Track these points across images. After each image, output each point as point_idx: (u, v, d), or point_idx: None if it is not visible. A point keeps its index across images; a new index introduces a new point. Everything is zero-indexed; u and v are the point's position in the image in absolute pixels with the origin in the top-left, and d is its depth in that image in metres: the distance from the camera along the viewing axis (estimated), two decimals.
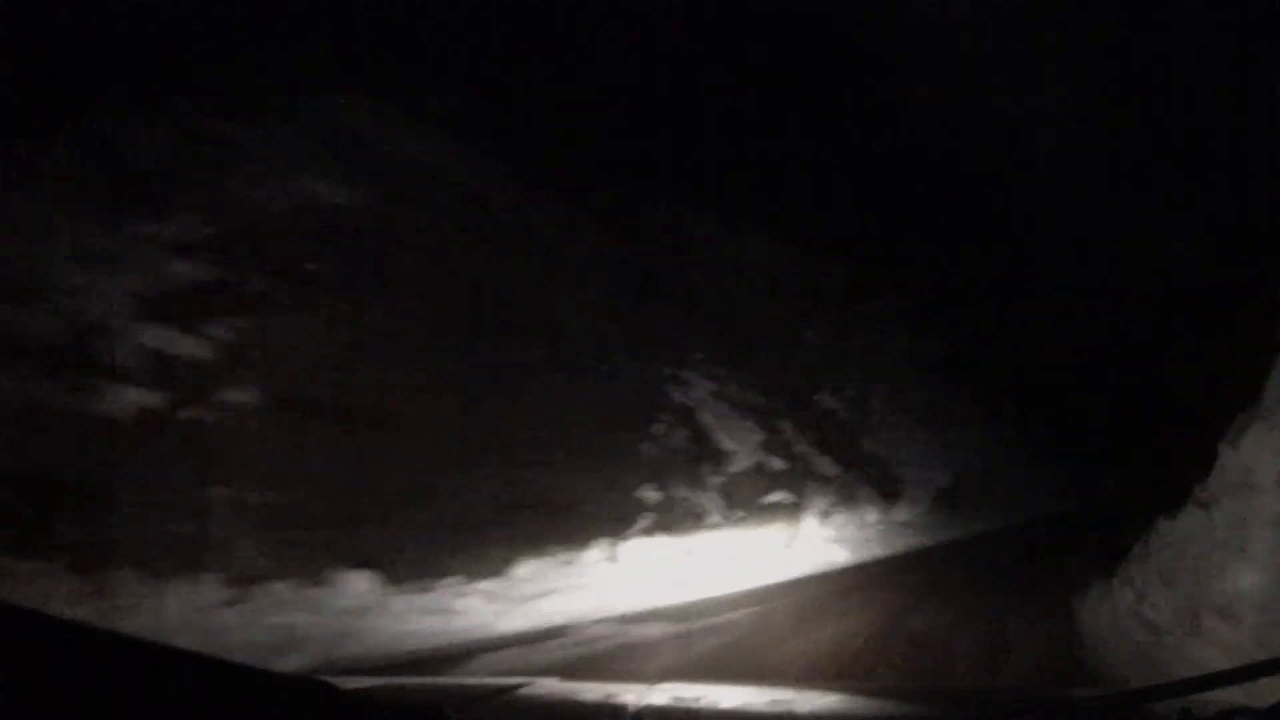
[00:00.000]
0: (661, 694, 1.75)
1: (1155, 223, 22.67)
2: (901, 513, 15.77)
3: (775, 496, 13.90)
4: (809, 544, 13.41)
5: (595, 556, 11.42)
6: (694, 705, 1.75)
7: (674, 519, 12.39)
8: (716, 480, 13.40)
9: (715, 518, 12.85)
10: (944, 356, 21.24)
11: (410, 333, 10.95)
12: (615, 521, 11.81)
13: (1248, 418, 6.95)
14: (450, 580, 10.14)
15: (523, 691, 1.67)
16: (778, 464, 14.53)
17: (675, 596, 10.37)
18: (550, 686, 1.81)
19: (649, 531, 11.99)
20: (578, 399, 12.29)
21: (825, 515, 14.37)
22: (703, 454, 13.60)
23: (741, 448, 14.19)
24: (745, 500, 13.47)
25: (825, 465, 15.50)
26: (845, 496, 15.15)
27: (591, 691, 1.85)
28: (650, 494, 12.35)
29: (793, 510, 13.98)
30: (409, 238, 11.46)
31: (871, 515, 15.14)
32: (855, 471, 15.85)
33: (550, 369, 11.99)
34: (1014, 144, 23.55)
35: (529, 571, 10.79)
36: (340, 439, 9.92)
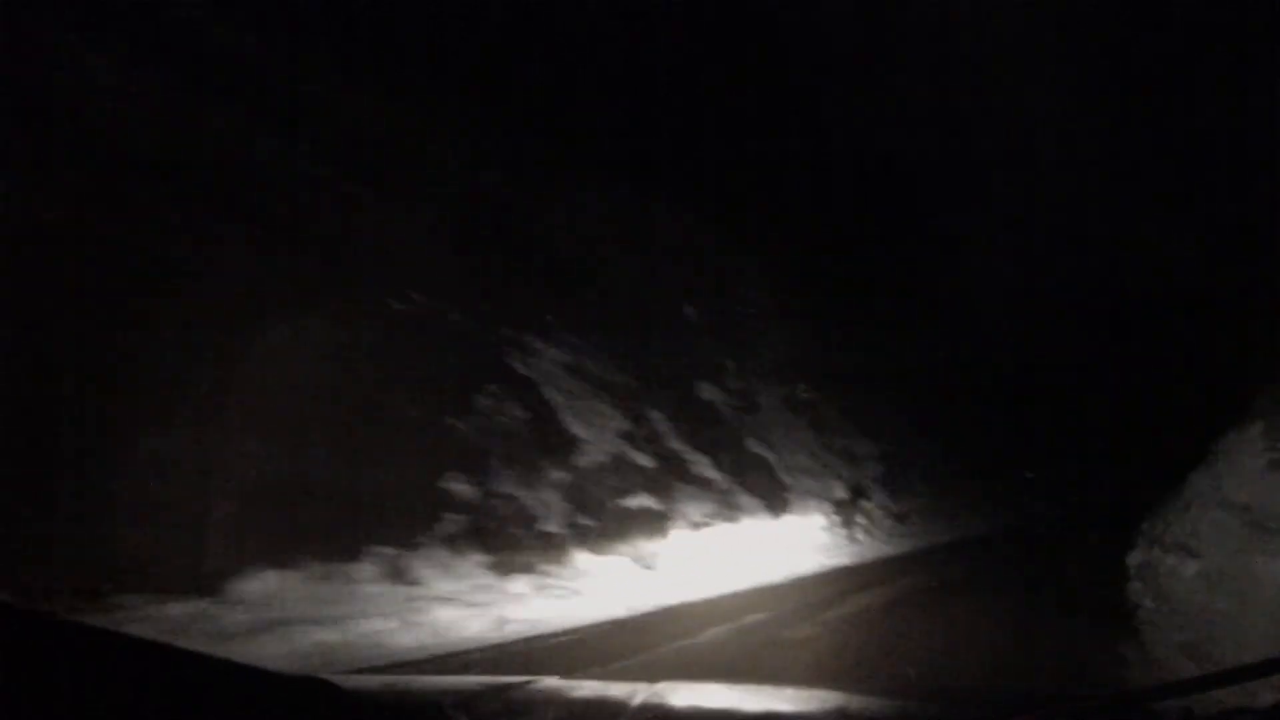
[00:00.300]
0: (661, 693, 1.71)
1: (1083, 221, 21.67)
2: (790, 529, 12.96)
3: (637, 501, 10.80)
4: (675, 564, 10.36)
5: (367, 573, 8.03)
6: (694, 705, 1.76)
7: (494, 524, 9.11)
8: (559, 476, 10.20)
9: (552, 525, 9.63)
10: (848, 357, 18.83)
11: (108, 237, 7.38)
12: (402, 523, 8.45)
13: None
14: (124, 600, 6.63)
15: (523, 691, 1.67)
16: (643, 460, 11.46)
17: (486, 634, 7.24)
18: (550, 686, 1.76)
19: (454, 541, 8.67)
20: (360, 349, 8.91)
21: (697, 527, 11.36)
22: (544, 440, 10.39)
23: (597, 437, 11.06)
24: (596, 503, 10.31)
25: (702, 467, 12.54)
26: (724, 505, 12.22)
27: (592, 690, 1.79)
28: (459, 487, 9.04)
29: (658, 520, 10.91)
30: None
31: (755, 530, 12.25)
32: (737, 477, 12.95)
33: (311, 301, 8.58)
34: (923, 131, 22.02)
35: (258, 590, 7.35)
36: None
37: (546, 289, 12.34)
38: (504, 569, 8.76)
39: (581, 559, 9.58)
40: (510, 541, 9.04)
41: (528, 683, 1.74)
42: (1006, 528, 18.54)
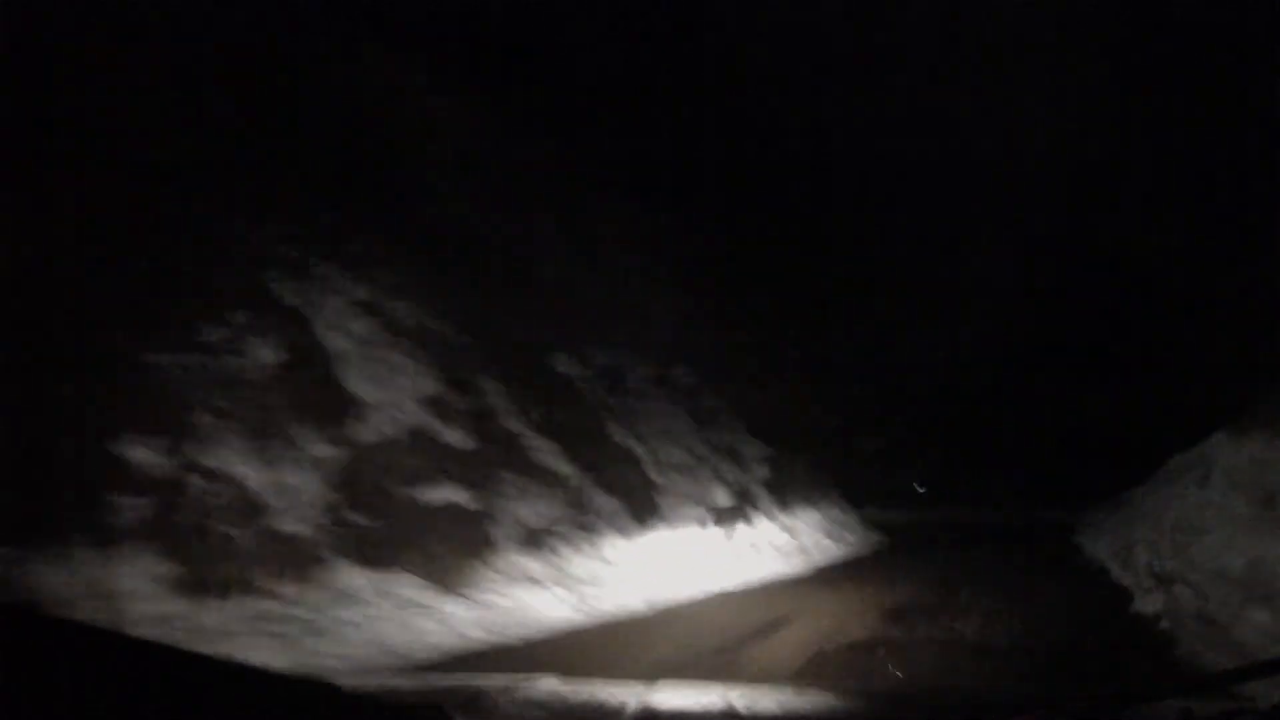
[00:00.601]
0: (661, 694, 1.75)
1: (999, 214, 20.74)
2: (660, 541, 10.20)
3: (440, 494, 7.79)
4: (493, 586, 7.42)
5: None
6: (694, 705, 1.78)
7: (193, 517, 5.95)
8: (324, 451, 7.10)
9: (296, 522, 6.52)
10: (737, 342, 16.40)
11: None
12: (27, 507, 5.24)
13: None
14: None
15: (523, 691, 1.69)
16: (457, 440, 8.47)
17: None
18: (550, 686, 1.78)
19: (117, 541, 5.49)
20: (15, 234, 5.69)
21: (533, 536, 8.42)
22: (305, 397, 7.29)
23: (390, 401, 8.02)
24: (374, 495, 7.26)
25: (546, 455, 9.65)
26: (573, 507, 9.34)
27: (591, 691, 1.83)
28: (142, 455, 5.86)
29: (473, 523, 7.92)
30: None
31: (612, 543, 9.41)
32: (593, 471, 10.10)
33: None
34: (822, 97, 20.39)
35: None
36: None
37: (349, 200, 9.27)
38: (198, 589, 5.62)
39: (342, 577, 6.51)
40: (217, 545, 5.89)
41: (529, 682, 1.74)
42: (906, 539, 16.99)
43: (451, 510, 7.71)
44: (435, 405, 8.40)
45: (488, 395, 9.56)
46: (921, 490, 27.20)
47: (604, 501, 9.91)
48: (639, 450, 11.50)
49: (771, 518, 13.47)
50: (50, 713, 0.72)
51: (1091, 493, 21.18)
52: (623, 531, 9.87)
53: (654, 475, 11.33)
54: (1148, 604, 6.33)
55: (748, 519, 12.57)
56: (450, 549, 7.46)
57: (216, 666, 0.91)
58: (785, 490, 14.75)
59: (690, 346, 15.12)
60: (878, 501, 22.75)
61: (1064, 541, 14.16)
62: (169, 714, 0.82)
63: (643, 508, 10.60)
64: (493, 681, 1.74)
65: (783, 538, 13.19)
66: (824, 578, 10.92)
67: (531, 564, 8.12)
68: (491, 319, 10.52)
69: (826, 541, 14.71)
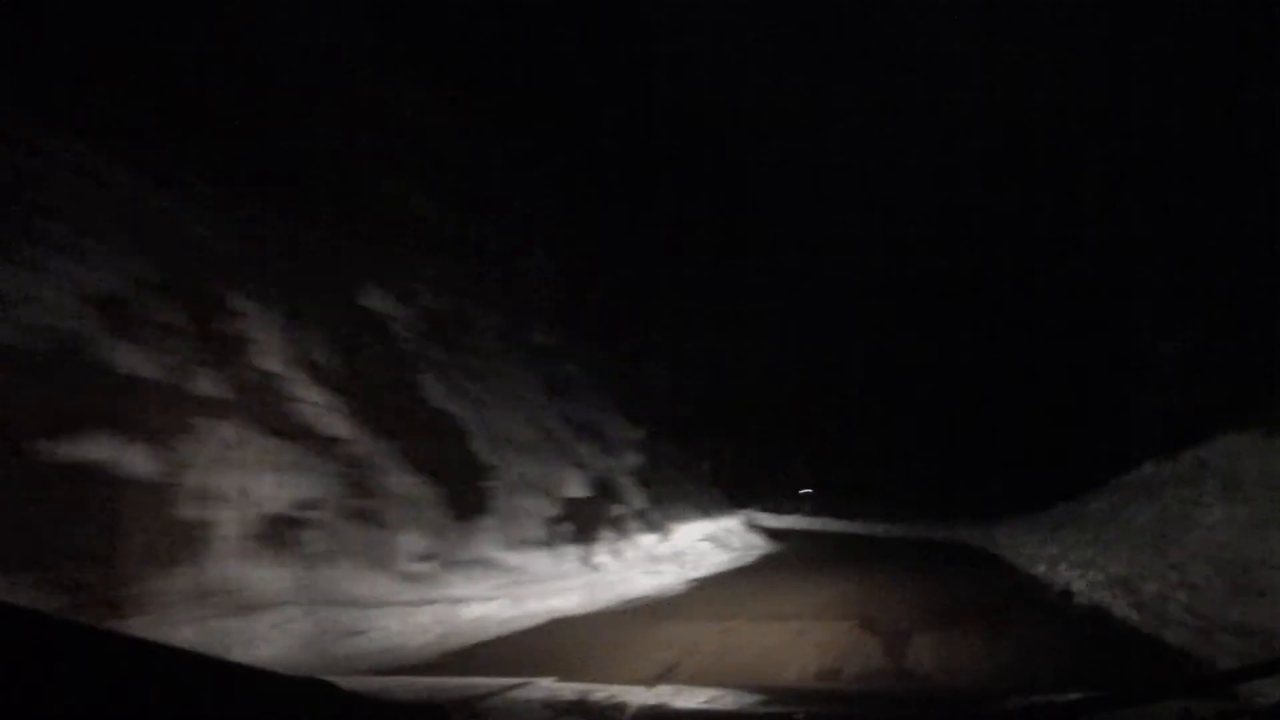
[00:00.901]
0: (661, 695, 1.78)
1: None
2: (480, 544, 7.67)
3: (106, 450, 5.03)
4: (171, 612, 4.73)
5: None
6: (692, 707, 1.79)
7: None
8: None
9: None
10: (612, 303, 14.18)
11: None
12: None
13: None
14: None
15: (522, 692, 1.72)
16: (144, 368, 5.69)
17: None
18: (550, 687, 1.82)
19: None
20: None
21: (262, 531, 5.74)
22: None
23: (44, 295, 5.21)
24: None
25: (323, 414, 6.99)
26: (351, 486, 6.73)
27: (591, 692, 1.81)
28: None
29: (155, 502, 5.19)
30: None
31: (407, 541, 6.83)
32: (391, 441, 7.49)
33: None
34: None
35: None
36: None
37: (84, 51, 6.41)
38: None
39: None
40: None
41: (528, 684, 1.77)
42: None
43: (117, 477, 4.96)
44: (110, 308, 5.58)
45: (239, 319, 6.81)
46: (805, 494, 25.83)
47: (401, 482, 7.31)
48: (465, 417, 8.93)
49: (639, 517, 11.14)
50: (50, 713, 0.73)
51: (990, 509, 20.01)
52: (427, 526, 7.30)
53: (483, 452, 8.78)
54: (1123, 554, 4.36)
55: (609, 517, 10.17)
56: (111, 541, 4.73)
57: (216, 666, 0.93)
58: (658, 482, 12.47)
59: (552, 301, 12.69)
60: (766, 504, 21.09)
61: (1005, 566, 12.13)
62: (168, 714, 0.83)
63: (463, 494, 8.05)
64: (492, 682, 1.74)
65: (651, 541, 10.87)
66: (706, 595, 8.60)
67: (260, 573, 5.45)
68: (266, 220, 7.78)
69: (706, 547, 12.53)
